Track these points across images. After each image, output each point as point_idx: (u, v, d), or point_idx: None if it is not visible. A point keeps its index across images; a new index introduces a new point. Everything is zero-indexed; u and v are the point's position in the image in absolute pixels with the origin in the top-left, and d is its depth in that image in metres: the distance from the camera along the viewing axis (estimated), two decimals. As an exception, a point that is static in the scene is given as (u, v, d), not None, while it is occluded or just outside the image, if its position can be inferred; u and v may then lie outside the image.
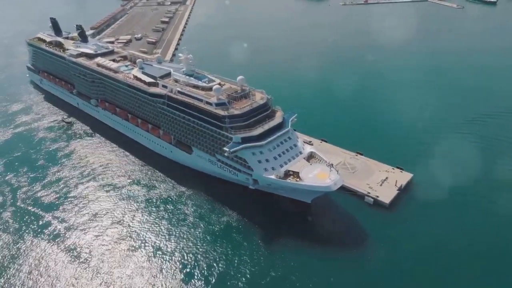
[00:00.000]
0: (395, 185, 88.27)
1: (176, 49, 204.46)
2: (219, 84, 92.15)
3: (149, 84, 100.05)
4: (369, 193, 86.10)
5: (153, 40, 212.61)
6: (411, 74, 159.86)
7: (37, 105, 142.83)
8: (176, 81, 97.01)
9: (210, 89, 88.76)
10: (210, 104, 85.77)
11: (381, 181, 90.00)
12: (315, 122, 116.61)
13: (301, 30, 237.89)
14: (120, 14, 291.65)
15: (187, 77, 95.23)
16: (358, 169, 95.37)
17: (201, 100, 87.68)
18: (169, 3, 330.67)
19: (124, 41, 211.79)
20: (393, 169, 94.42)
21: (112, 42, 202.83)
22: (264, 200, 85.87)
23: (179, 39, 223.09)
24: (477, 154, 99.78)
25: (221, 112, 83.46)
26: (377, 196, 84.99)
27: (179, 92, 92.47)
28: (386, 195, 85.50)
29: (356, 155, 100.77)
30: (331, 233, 78.32)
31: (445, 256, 70.22)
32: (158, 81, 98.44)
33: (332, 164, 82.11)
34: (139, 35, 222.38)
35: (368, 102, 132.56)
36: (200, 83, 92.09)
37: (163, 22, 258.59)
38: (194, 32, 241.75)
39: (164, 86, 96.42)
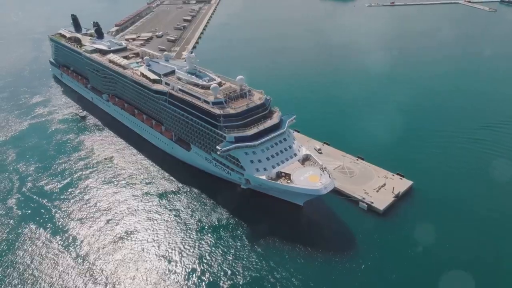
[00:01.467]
0: (392, 192, 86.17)
1: (194, 47, 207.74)
2: (220, 83, 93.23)
3: (154, 81, 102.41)
4: (364, 198, 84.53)
5: (173, 38, 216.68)
6: (426, 79, 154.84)
7: (55, 98, 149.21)
8: (179, 79, 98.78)
9: (209, 87, 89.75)
10: (208, 102, 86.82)
11: (379, 187, 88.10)
12: (319, 124, 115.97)
13: (319, 32, 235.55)
14: (145, 12, 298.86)
15: (189, 75, 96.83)
16: (356, 173, 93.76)
17: (199, 99, 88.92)
18: (194, 1, 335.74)
19: (145, 38, 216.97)
20: (393, 175, 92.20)
21: (133, 39, 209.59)
22: (257, 200, 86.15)
23: (199, 37, 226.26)
24: (484, 165, 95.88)
25: (216, 111, 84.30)
26: (372, 202, 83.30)
27: (180, 89, 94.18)
28: (381, 201, 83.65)
29: (357, 160, 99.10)
30: (319, 237, 77.61)
31: (433, 268, 67.84)
32: (162, 79, 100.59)
33: (325, 168, 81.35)
34: (160, 33, 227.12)
35: (374, 107, 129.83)
36: (200, 82, 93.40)
37: (185, 20, 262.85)
38: (214, 31, 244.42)
39: (167, 84, 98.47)
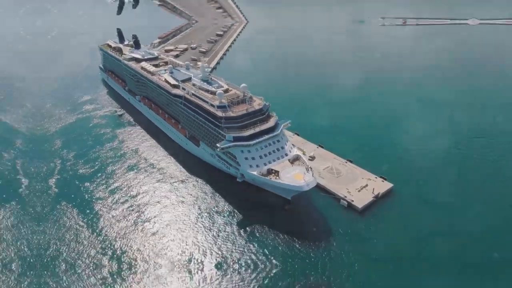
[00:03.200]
0: (372, 192, 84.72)
1: (221, 58, 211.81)
2: (226, 89, 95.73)
3: (174, 86, 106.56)
4: (345, 197, 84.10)
5: (204, 50, 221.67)
6: (419, 88, 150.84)
7: (100, 98, 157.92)
8: (194, 85, 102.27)
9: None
10: (213, 106, 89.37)
11: (361, 188, 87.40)
12: (317, 129, 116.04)
13: (330, 49, 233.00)
14: (186, 27, 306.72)
15: (202, 82, 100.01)
16: (343, 174, 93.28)
17: (207, 102, 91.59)
18: (228, 18, 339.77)
19: (181, 49, 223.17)
20: (376, 178, 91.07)
21: (171, 50, 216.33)
22: (251, 192, 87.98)
23: (227, 50, 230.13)
24: (467, 174, 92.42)
25: (219, 113, 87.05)
26: (352, 201, 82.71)
27: (193, 94, 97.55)
28: (361, 200, 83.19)
29: (346, 162, 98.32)
30: (300, 227, 78.78)
31: (394, 263, 66.84)
32: (180, 84, 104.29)
33: (310, 168, 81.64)
34: (194, 45, 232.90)
35: (371, 116, 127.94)
36: (210, 88, 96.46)
37: (217, 35, 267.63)
38: (241, 45, 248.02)
39: (183, 89, 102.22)
